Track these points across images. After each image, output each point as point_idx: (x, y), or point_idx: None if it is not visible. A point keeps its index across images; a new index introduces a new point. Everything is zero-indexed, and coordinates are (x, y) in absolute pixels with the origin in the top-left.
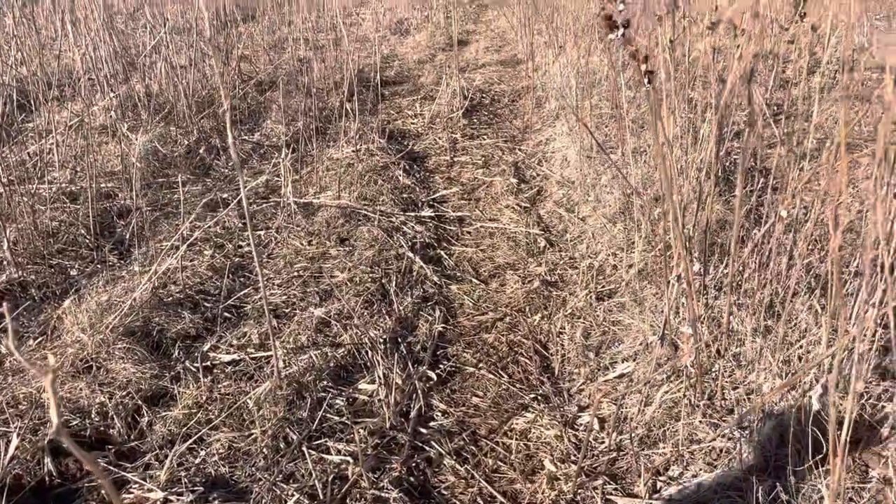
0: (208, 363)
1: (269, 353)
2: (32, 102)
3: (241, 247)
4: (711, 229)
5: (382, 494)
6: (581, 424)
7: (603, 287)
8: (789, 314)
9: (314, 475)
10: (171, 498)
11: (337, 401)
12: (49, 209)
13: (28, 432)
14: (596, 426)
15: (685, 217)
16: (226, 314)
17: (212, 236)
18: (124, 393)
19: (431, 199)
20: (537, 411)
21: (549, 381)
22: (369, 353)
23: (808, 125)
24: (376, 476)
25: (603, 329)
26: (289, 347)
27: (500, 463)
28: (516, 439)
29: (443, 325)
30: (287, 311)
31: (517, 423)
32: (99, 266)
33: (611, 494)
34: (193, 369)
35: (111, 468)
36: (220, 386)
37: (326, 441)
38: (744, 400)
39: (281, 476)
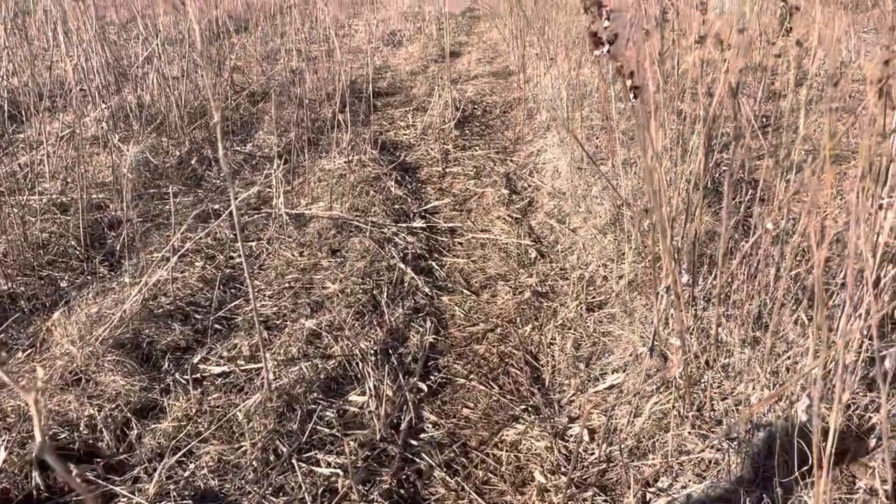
0: (198, 375)
1: (259, 365)
2: (24, 113)
3: (232, 258)
4: (700, 240)
5: None
6: (571, 436)
7: (593, 298)
8: (776, 325)
9: (304, 488)
10: None
11: (327, 413)
12: (39, 220)
13: (16, 445)
14: (586, 437)
15: (674, 229)
16: (216, 326)
17: (203, 247)
18: (113, 405)
19: (423, 210)
20: (528, 422)
21: (539, 392)
22: (360, 364)
23: (796, 137)
24: (366, 489)
25: (593, 340)
26: (279, 359)
27: (490, 475)
28: (507, 451)
29: (434, 336)
30: (278, 322)
31: (508, 435)
32: (89, 278)
33: None
34: (183, 381)
35: (99, 482)
36: (209, 398)
37: (316, 453)
38: (732, 411)
39: (270, 489)
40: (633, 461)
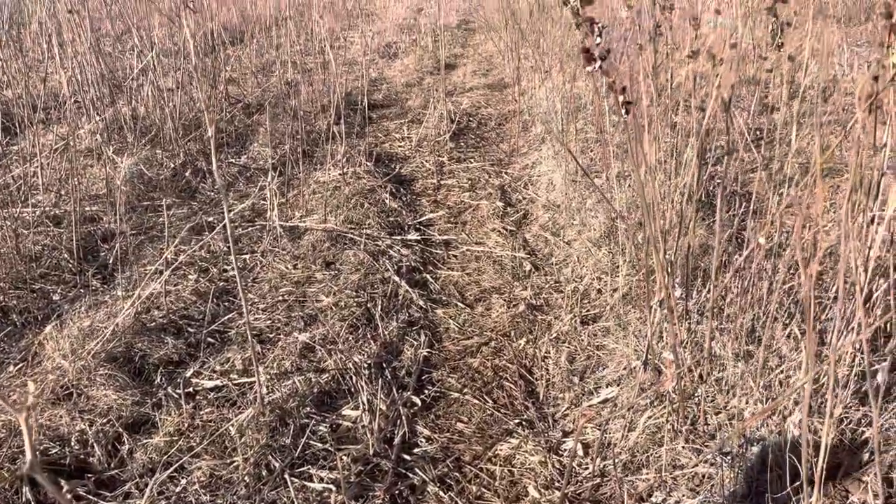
0: (190, 389)
1: (252, 379)
2: (18, 125)
3: (226, 271)
4: (694, 254)
5: None
6: (565, 450)
7: (588, 311)
8: (769, 339)
9: (296, 503)
10: None
11: (320, 427)
12: (32, 233)
13: (6, 461)
14: (580, 452)
15: (667, 242)
16: (209, 339)
17: (196, 260)
18: (105, 420)
19: (418, 223)
20: (522, 437)
21: (533, 406)
22: (353, 378)
23: (789, 150)
24: None
25: (587, 353)
26: (272, 373)
27: (484, 490)
28: (500, 465)
29: (428, 349)
30: (271, 335)
31: (501, 449)
32: (82, 291)
33: None
34: (175, 396)
35: (90, 497)
36: (202, 413)
37: (309, 468)
38: (726, 425)
39: None
40: (627, 476)
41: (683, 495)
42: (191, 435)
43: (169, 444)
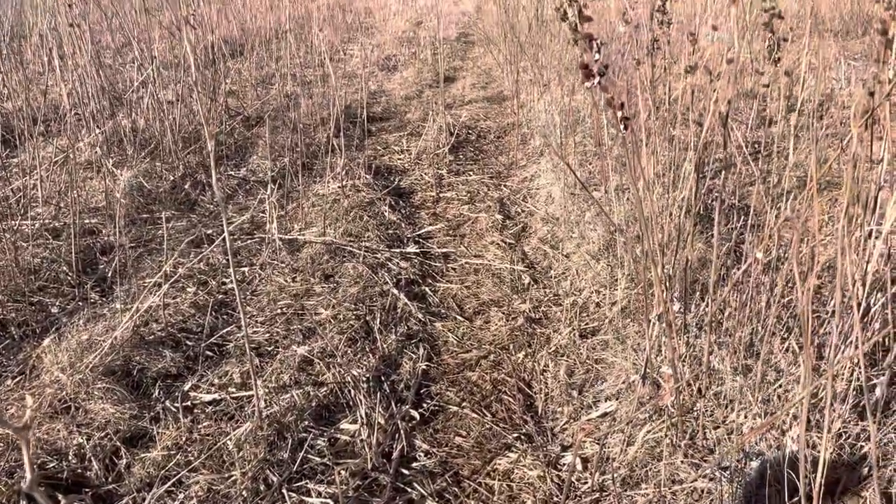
0: (188, 403)
1: (250, 393)
2: (18, 138)
3: (224, 283)
4: (692, 267)
5: None
6: (564, 464)
7: (586, 324)
8: (768, 354)
9: None
10: None
11: (318, 441)
12: (31, 246)
13: (4, 474)
14: (579, 466)
15: (666, 256)
16: (207, 352)
17: (195, 273)
18: (103, 434)
19: (417, 236)
20: (520, 451)
21: (532, 420)
22: (352, 392)
23: (787, 163)
24: None
25: (586, 367)
26: (271, 386)
27: None
28: (499, 480)
29: (426, 363)
30: (270, 349)
31: (500, 464)
32: (80, 303)
33: None
34: (173, 409)
35: None
36: (200, 426)
37: (307, 483)
38: (725, 439)
39: None
40: (626, 491)
41: None
42: (188, 449)
43: (167, 459)
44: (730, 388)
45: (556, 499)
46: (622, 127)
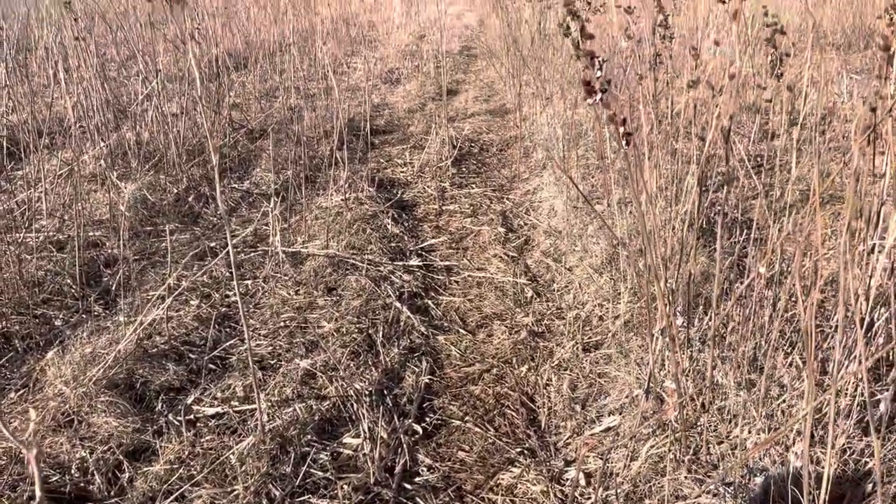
0: (191, 416)
1: (253, 406)
2: (23, 150)
3: (227, 296)
4: (696, 281)
5: None
6: (567, 479)
7: (589, 338)
8: (771, 369)
9: None
10: None
11: (321, 455)
12: (35, 258)
13: (7, 488)
14: (582, 481)
15: (668, 270)
16: (210, 366)
17: (198, 286)
18: (105, 448)
19: (419, 248)
20: (523, 466)
21: (535, 434)
22: (355, 405)
23: (789, 177)
24: None
25: (589, 381)
26: (273, 400)
27: None
28: (502, 495)
29: (429, 376)
30: (272, 362)
31: (503, 479)
32: (84, 316)
33: None
34: (176, 423)
35: None
36: (202, 440)
37: (310, 497)
38: (729, 454)
39: None
40: None
41: None
42: (191, 463)
43: (169, 472)
44: (733, 403)
45: None
46: (624, 143)
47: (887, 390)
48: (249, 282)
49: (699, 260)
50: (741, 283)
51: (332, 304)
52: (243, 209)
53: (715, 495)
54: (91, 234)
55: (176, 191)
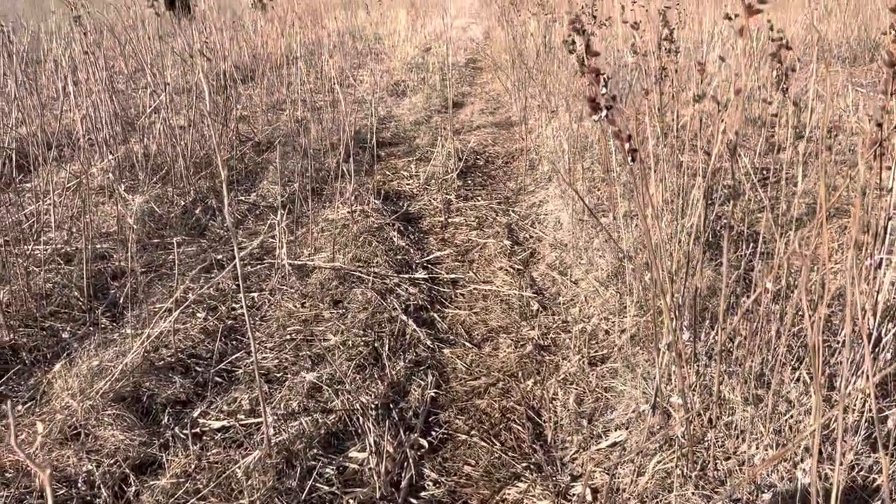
0: (198, 430)
1: (259, 420)
2: (31, 163)
3: (234, 309)
4: (702, 295)
5: None
6: (574, 495)
7: (595, 352)
8: (778, 384)
9: None
10: None
11: (327, 469)
12: (43, 271)
13: (14, 501)
14: (588, 497)
15: (675, 284)
16: (217, 378)
17: (205, 298)
18: (112, 461)
19: (425, 261)
20: (530, 481)
21: (541, 449)
22: (360, 419)
23: (795, 190)
24: None
25: (596, 396)
26: (279, 413)
27: None
28: None
29: (435, 390)
30: (279, 375)
31: (509, 494)
32: (91, 329)
33: None
34: (182, 436)
35: None
36: (209, 454)
37: None
38: (736, 471)
39: None
40: None
41: None
42: (197, 477)
43: (175, 486)
44: (741, 419)
45: None
46: (630, 159)
47: (895, 406)
48: (256, 294)
49: (705, 274)
50: (747, 297)
51: (338, 316)
52: (250, 221)
53: None
54: (99, 246)
55: (183, 203)
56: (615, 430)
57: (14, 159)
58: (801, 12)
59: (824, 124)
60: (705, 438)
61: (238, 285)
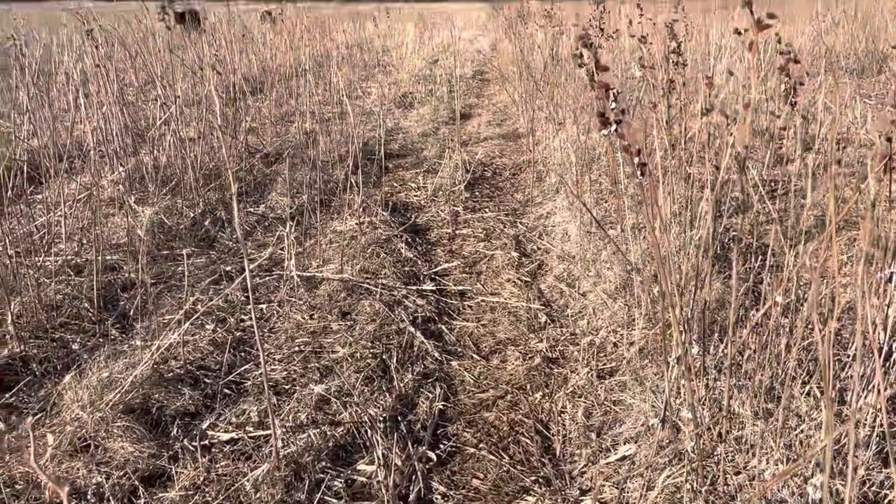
0: (206, 442)
1: (268, 432)
2: (42, 175)
3: (243, 320)
4: (711, 308)
5: None
6: None
7: (604, 365)
8: (788, 399)
9: None
10: None
11: (335, 482)
12: (54, 282)
13: None
14: None
15: (683, 297)
16: (226, 390)
17: (214, 310)
18: (121, 473)
19: (433, 273)
20: (538, 495)
21: (550, 462)
22: (369, 432)
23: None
24: None
25: (604, 409)
26: (288, 426)
27: None
28: None
29: (443, 402)
30: (287, 387)
31: None
32: (101, 340)
33: None
34: (192, 449)
35: None
36: (217, 466)
37: None
38: (746, 486)
39: None
40: None
41: None
42: (206, 489)
43: (184, 499)
44: (750, 433)
45: None
46: (639, 173)
47: None
48: (264, 306)
49: (714, 286)
50: (757, 310)
51: (347, 328)
52: (258, 233)
53: None
54: (109, 257)
55: (192, 215)
56: (624, 444)
57: (25, 171)
58: (808, 24)
59: (832, 137)
60: (715, 453)
61: (247, 297)
